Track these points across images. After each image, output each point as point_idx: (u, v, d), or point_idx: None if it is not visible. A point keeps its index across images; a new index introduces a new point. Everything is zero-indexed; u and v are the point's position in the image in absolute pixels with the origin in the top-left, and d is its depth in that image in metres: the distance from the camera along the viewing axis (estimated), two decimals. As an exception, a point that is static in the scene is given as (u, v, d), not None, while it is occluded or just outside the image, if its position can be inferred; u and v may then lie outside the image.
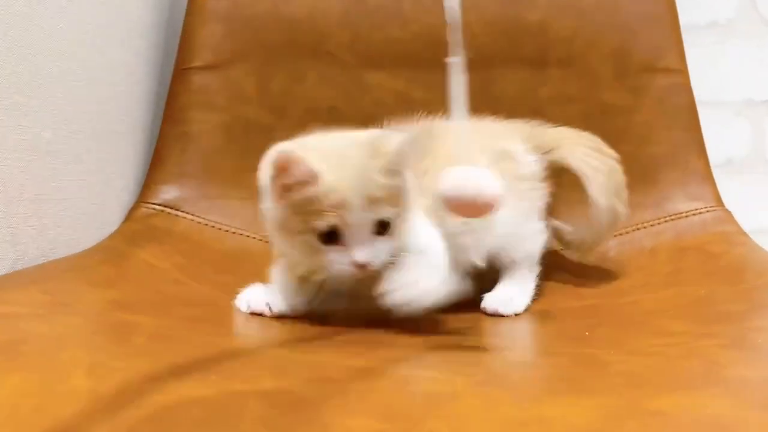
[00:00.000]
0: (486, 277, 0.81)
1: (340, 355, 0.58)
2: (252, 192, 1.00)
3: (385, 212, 0.64)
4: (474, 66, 1.03)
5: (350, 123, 1.02)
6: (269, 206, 0.68)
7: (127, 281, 0.74)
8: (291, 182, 0.64)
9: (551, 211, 0.89)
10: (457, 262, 0.73)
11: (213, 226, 0.97)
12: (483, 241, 0.78)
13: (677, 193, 0.95)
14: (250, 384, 0.48)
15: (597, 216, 0.85)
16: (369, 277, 0.66)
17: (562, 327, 0.76)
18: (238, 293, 0.72)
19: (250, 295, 0.71)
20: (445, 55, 1.02)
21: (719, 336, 0.63)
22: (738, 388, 0.48)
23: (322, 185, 0.63)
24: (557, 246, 0.93)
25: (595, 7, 1.03)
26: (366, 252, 0.64)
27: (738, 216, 0.97)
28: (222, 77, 1.02)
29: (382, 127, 0.76)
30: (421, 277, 0.65)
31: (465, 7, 1.03)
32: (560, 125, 0.92)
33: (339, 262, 0.64)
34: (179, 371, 0.50)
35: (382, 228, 0.65)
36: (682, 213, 0.97)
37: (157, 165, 0.99)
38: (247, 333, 0.63)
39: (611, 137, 1.01)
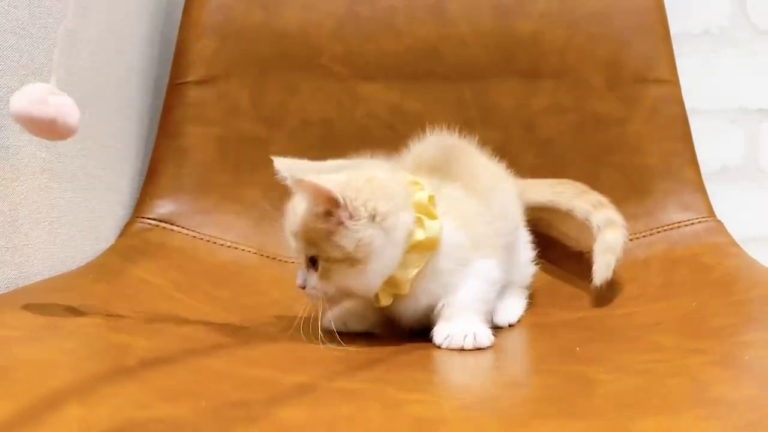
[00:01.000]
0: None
1: (329, 378, 0.58)
2: (246, 205, 1.02)
3: (310, 250, 0.69)
4: (467, 77, 1.06)
5: (344, 135, 1.03)
6: None
7: (122, 300, 0.75)
8: None
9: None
10: None
11: (208, 240, 0.97)
12: None
13: (669, 204, 0.96)
14: (239, 410, 0.48)
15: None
16: (405, 303, 0.71)
17: (554, 342, 0.77)
18: (232, 308, 0.74)
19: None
20: (438, 67, 1.03)
21: (708, 352, 0.63)
22: (722, 410, 0.48)
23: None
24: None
25: (587, 18, 1.03)
26: (300, 278, 0.71)
27: (731, 224, 0.98)
28: (216, 91, 1.03)
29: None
30: (473, 327, 0.69)
31: (458, 19, 1.05)
32: (553, 137, 0.94)
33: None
34: (170, 396, 0.50)
35: (312, 263, 0.70)
36: (674, 224, 0.97)
37: (152, 179, 1.00)
38: (236, 354, 0.64)
39: (603, 147, 1.02)
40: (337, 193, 0.65)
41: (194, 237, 0.97)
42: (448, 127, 0.85)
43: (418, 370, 0.64)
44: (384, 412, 0.50)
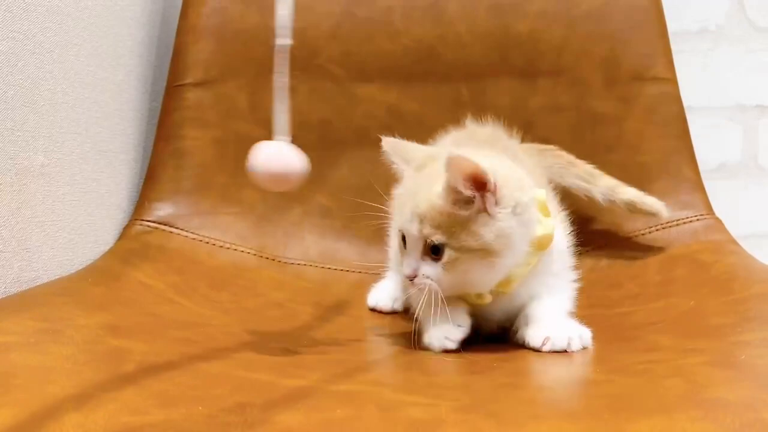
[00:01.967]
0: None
1: (326, 381, 0.58)
2: (245, 207, 1.02)
3: (438, 237, 0.63)
4: (465, 77, 1.05)
5: (342, 135, 1.03)
6: None
7: (120, 303, 0.75)
8: None
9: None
10: None
11: (207, 242, 0.98)
12: None
13: (668, 202, 0.95)
14: (235, 415, 0.48)
15: None
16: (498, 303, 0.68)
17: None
18: (231, 311, 0.73)
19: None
20: (436, 67, 1.03)
21: (704, 352, 0.64)
22: (718, 410, 0.48)
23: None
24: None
25: (584, 17, 1.03)
26: (410, 266, 0.65)
27: (730, 221, 0.98)
28: (214, 93, 1.03)
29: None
30: (575, 328, 0.67)
31: (455, 19, 1.05)
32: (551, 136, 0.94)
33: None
34: (166, 401, 0.50)
35: (434, 251, 0.64)
36: (672, 221, 0.97)
37: (151, 182, 1.00)
38: (235, 357, 0.64)
39: (601, 146, 1.02)
40: (492, 178, 0.61)
41: (193, 239, 0.97)
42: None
43: (414, 372, 0.64)
44: (381, 414, 0.50)
